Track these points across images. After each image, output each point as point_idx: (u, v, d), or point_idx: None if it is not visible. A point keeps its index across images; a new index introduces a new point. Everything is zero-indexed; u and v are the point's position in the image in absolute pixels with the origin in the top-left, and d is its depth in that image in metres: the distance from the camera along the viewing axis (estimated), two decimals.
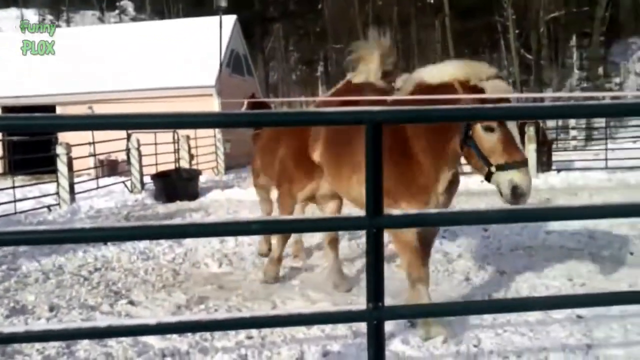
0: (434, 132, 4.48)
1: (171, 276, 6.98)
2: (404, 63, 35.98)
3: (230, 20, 26.28)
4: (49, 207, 12.45)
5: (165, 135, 17.09)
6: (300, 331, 4.84)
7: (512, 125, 4.11)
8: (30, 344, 4.66)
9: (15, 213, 11.58)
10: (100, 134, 14.78)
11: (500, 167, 4.07)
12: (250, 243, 8.21)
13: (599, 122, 24.81)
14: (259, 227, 2.77)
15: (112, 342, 4.72)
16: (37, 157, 14.30)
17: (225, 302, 5.87)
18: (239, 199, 13.38)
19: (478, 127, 4.14)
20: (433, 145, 4.53)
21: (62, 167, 12.79)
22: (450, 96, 4.19)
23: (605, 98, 19.59)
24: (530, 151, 14.63)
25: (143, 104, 21.66)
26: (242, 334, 4.82)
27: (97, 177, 15.96)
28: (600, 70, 39.49)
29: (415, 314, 3.74)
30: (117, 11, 66.35)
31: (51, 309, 5.77)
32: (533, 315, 4.95)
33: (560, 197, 11.96)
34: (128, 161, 15.72)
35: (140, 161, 15.50)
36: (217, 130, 20.65)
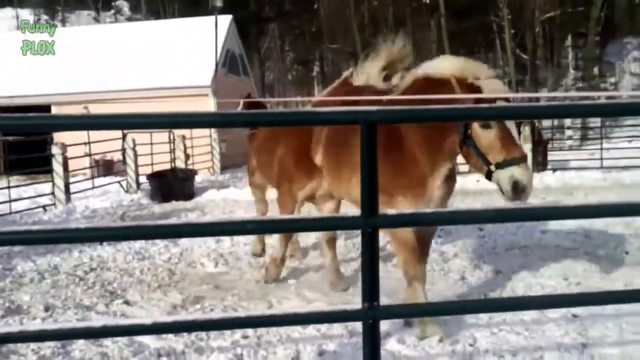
0: (429, 128, 4.47)
1: (167, 276, 6.97)
2: None
3: (225, 20, 26.26)
4: (44, 207, 12.43)
5: (161, 135, 17.07)
6: (296, 331, 4.84)
7: (509, 122, 4.10)
8: (26, 344, 4.65)
9: (11, 213, 11.56)
10: (95, 134, 14.73)
11: (499, 165, 4.06)
12: (246, 243, 8.20)
13: (595, 121, 24.86)
14: (255, 226, 2.77)
15: (107, 342, 4.71)
16: (33, 157, 14.28)
17: (221, 301, 5.86)
18: (235, 198, 13.38)
19: (475, 125, 4.14)
20: (429, 141, 4.51)
21: (57, 167, 12.78)
22: (446, 96, 4.19)
23: (600, 98, 19.64)
24: (526, 151, 14.63)
25: (139, 104, 21.61)
26: (237, 333, 4.81)
27: (92, 177, 15.94)
28: (596, 70, 39.55)
29: (411, 313, 3.74)
30: (112, 11, 66.23)
31: (46, 309, 5.76)
32: (529, 315, 4.96)
33: (555, 197, 11.98)
34: (124, 161, 15.71)
35: (135, 161, 15.48)
36: (213, 130, 20.65)
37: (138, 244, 8.35)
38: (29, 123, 2.48)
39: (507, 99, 4.19)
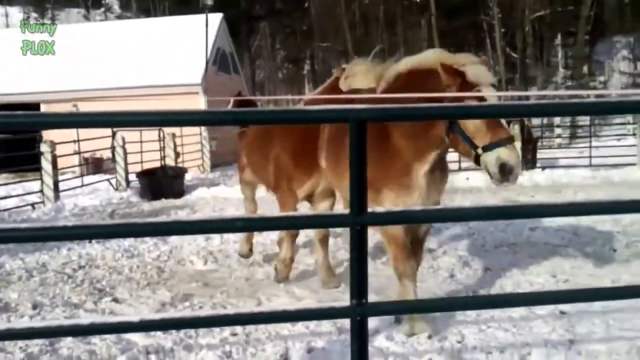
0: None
1: (156, 274, 6.96)
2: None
3: (216, 18, 26.21)
4: (33, 205, 12.36)
5: (151, 133, 17.02)
6: (285, 328, 4.85)
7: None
8: (13, 342, 4.63)
9: None
10: (85, 132, 14.71)
11: (486, 148, 4.00)
12: (236, 240, 8.19)
13: (584, 120, 25.02)
14: (244, 224, 2.77)
15: (95, 339, 4.70)
16: (21, 155, 14.19)
17: (210, 299, 5.86)
18: (225, 196, 13.37)
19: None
20: (413, 129, 4.48)
21: (46, 165, 12.72)
22: (432, 95, 4.18)
23: (589, 96, 19.76)
24: (520, 158, 14.71)
25: (129, 101, 21.56)
26: (226, 331, 4.82)
27: (81, 175, 15.87)
28: (585, 68, 39.80)
29: (399, 310, 3.76)
30: (102, 9, 66.02)
31: (34, 307, 5.73)
32: (517, 311, 4.99)
33: (544, 194, 12.05)
34: (113, 159, 15.65)
35: (125, 159, 15.44)
36: (203, 128, 20.60)
37: (127, 242, 8.33)
38: (17, 121, 2.48)
39: (492, 85, 4.17)
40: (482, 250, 7.45)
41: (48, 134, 16.55)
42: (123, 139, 15.48)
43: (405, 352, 4.36)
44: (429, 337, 4.55)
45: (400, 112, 2.88)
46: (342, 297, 5.63)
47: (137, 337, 4.72)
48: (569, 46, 40.93)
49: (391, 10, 42.84)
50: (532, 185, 13.58)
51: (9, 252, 7.93)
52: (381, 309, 3.21)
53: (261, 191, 7.92)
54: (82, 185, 14.94)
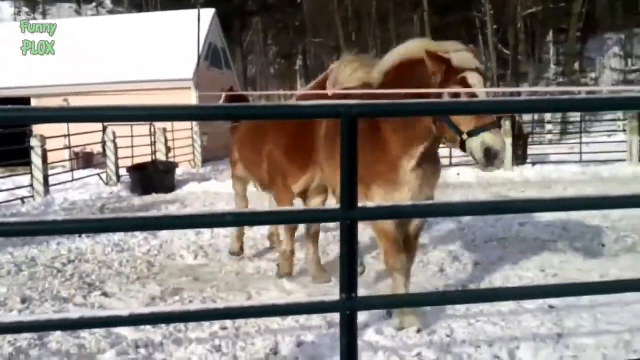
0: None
1: (146, 268, 6.95)
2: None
3: (208, 13, 26.15)
4: (22, 199, 12.31)
5: (142, 128, 16.99)
6: (274, 322, 4.85)
7: (479, 90, 4.09)
8: (2, 336, 4.61)
9: None
10: (75, 127, 14.63)
11: (471, 133, 4.01)
12: (227, 235, 8.19)
13: (574, 116, 25.15)
14: (234, 219, 2.78)
15: (85, 333, 4.69)
16: (11, 149, 14.13)
17: (200, 293, 5.86)
18: (216, 191, 13.36)
19: (445, 96, 4.12)
20: (402, 123, 4.47)
21: (36, 159, 12.66)
22: (418, 90, 4.18)
23: (581, 93, 19.84)
24: (506, 145, 14.80)
25: (120, 96, 21.49)
26: (216, 325, 4.82)
27: (72, 170, 15.81)
28: (577, 65, 39.92)
29: (388, 304, 3.77)
30: (94, 4, 65.62)
31: (23, 301, 5.72)
32: (506, 306, 5.01)
33: (535, 190, 12.10)
34: (104, 153, 15.61)
35: (116, 154, 15.40)
36: (194, 123, 20.56)
37: (117, 237, 8.31)
38: (8, 115, 2.46)
39: (477, 70, 4.18)
40: (472, 245, 7.48)
41: (38, 129, 16.44)
42: (114, 133, 15.43)
43: (394, 346, 4.38)
44: (418, 331, 4.57)
45: (391, 108, 2.89)
46: (332, 292, 5.64)
47: (126, 331, 4.71)
48: (561, 43, 41.04)
49: (384, 6, 42.78)
50: (522, 181, 13.65)
51: None
52: (371, 303, 3.22)
53: (250, 186, 7.91)
54: (73, 180, 14.89)
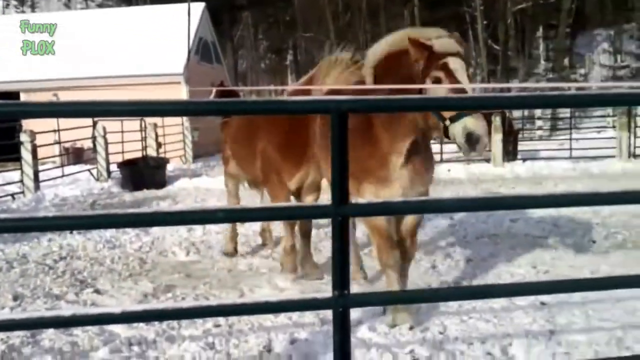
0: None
1: (138, 265, 6.93)
2: None
3: (198, 7, 26.01)
4: (12, 195, 12.24)
5: (132, 123, 16.90)
6: (267, 319, 4.85)
7: (461, 74, 4.09)
8: None
9: None
10: (65, 122, 14.56)
11: (453, 119, 3.99)
12: (218, 232, 8.18)
13: (564, 112, 25.21)
14: (226, 215, 2.76)
15: (77, 331, 4.68)
16: (1, 145, 14.04)
17: (193, 290, 5.85)
18: (207, 187, 13.33)
19: (427, 82, 4.12)
20: (391, 115, 4.46)
21: (26, 154, 12.59)
22: (406, 86, 4.17)
23: (570, 89, 19.89)
24: (497, 141, 14.85)
25: (110, 91, 21.37)
26: (209, 322, 4.81)
27: (62, 165, 15.74)
28: (566, 61, 40.05)
29: (381, 301, 3.78)
30: None
31: (15, 298, 5.69)
32: (498, 302, 5.03)
33: (525, 186, 12.15)
34: (94, 149, 15.53)
35: (106, 149, 15.34)
36: (185, 118, 20.48)
37: (109, 233, 8.28)
38: None
39: (458, 54, 4.17)
40: (464, 241, 7.50)
41: (28, 124, 16.33)
42: (104, 128, 15.36)
43: (387, 343, 4.39)
44: (411, 328, 4.59)
45: (381, 103, 2.88)
46: (324, 288, 5.64)
47: (119, 329, 4.70)
48: (551, 39, 41.15)
49: (374, 1, 42.73)
50: (513, 177, 13.70)
51: None
52: (363, 300, 3.22)
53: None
54: (63, 176, 14.81)
